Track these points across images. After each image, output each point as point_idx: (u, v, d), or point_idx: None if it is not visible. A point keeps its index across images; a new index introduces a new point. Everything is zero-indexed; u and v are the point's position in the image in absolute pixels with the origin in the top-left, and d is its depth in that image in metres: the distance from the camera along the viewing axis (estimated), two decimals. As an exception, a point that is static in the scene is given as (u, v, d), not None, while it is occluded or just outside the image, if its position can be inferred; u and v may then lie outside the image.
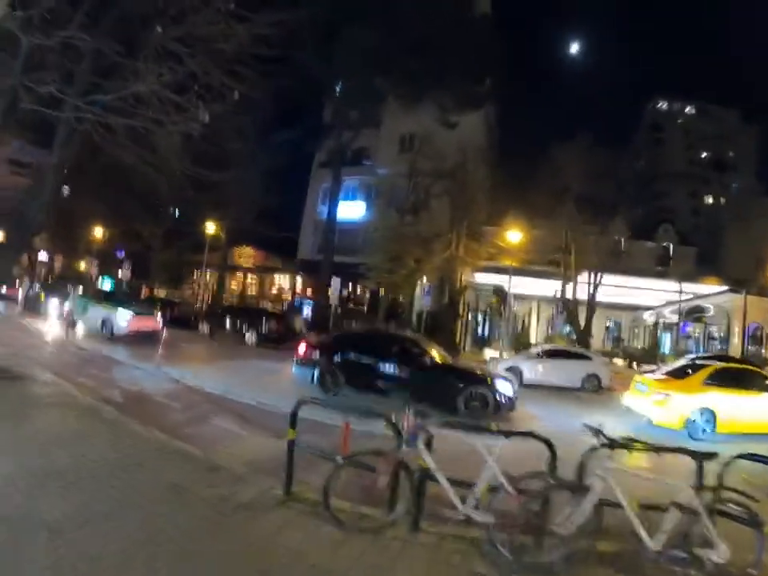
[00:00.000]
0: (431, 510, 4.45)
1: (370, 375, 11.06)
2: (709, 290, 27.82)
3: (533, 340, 30.41)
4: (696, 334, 30.97)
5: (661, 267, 32.96)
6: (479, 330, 33.58)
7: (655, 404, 10.68)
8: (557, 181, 26.68)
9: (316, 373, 11.50)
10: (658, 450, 4.74)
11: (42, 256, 37.14)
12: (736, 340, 26.81)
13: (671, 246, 36.29)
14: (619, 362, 27.97)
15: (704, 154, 65.94)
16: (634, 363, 27.45)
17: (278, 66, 13.69)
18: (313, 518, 4.37)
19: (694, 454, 4.17)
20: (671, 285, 28.53)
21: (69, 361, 12.28)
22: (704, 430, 10.18)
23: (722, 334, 28.50)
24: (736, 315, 26.45)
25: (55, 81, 7.51)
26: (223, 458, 5.98)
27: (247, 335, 21.93)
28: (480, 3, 33.02)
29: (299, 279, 40.78)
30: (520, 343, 28.14)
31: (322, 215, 34.55)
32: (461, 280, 28.53)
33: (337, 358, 11.49)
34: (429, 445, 4.40)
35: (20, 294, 25.38)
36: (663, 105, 69.50)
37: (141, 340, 15.97)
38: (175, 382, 10.88)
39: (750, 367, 12.71)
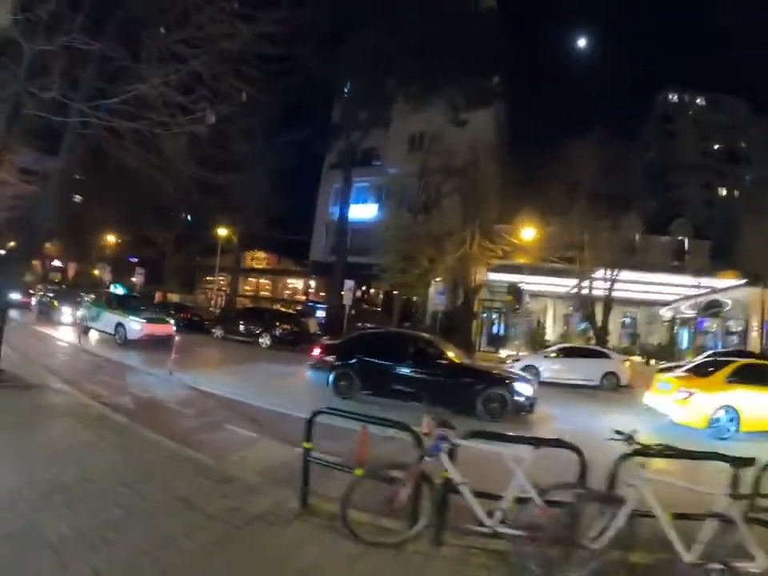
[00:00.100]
0: (455, 522, 4.23)
1: (386, 378, 10.79)
2: (726, 284, 27.20)
3: (549, 338, 30.00)
4: (714, 329, 30.37)
5: (677, 262, 32.31)
6: (494, 329, 33.23)
7: (678, 403, 10.37)
8: (568, 176, 26.17)
9: (331, 377, 11.32)
10: (692, 456, 4.49)
11: (55, 263, 37.53)
12: (754, 334, 26.28)
13: (686, 240, 35.61)
14: (636, 358, 27.52)
15: (716, 146, 64.90)
16: (652, 360, 26.98)
17: (285, 66, 13.55)
18: (330, 532, 4.16)
19: (732, 461, 3.92)
20: (687, 279, 27.94)
21: (81, 368, 12.27)
22: (728, 430, 9.85)
23: (739, 329, 27.94)
24: (754, 309, 25.96)
25: (59, 86, 7.41)
26: (236, 467, 5.83)
27: (261, 338, 21.92)
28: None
29: (312, 281, 40.81)
30: (536, 342, 27.83)
31: (334, 216, 34.51)
32: (475, 279, 28.18)
33: (352, 361, 11.26)
34: (452, 455, 4.17)
35: (33, 301, 25.53)
36: (674, 96, 68.60)
37: (154, 345, 15.92)
38: (188, 388, 10.78)
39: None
